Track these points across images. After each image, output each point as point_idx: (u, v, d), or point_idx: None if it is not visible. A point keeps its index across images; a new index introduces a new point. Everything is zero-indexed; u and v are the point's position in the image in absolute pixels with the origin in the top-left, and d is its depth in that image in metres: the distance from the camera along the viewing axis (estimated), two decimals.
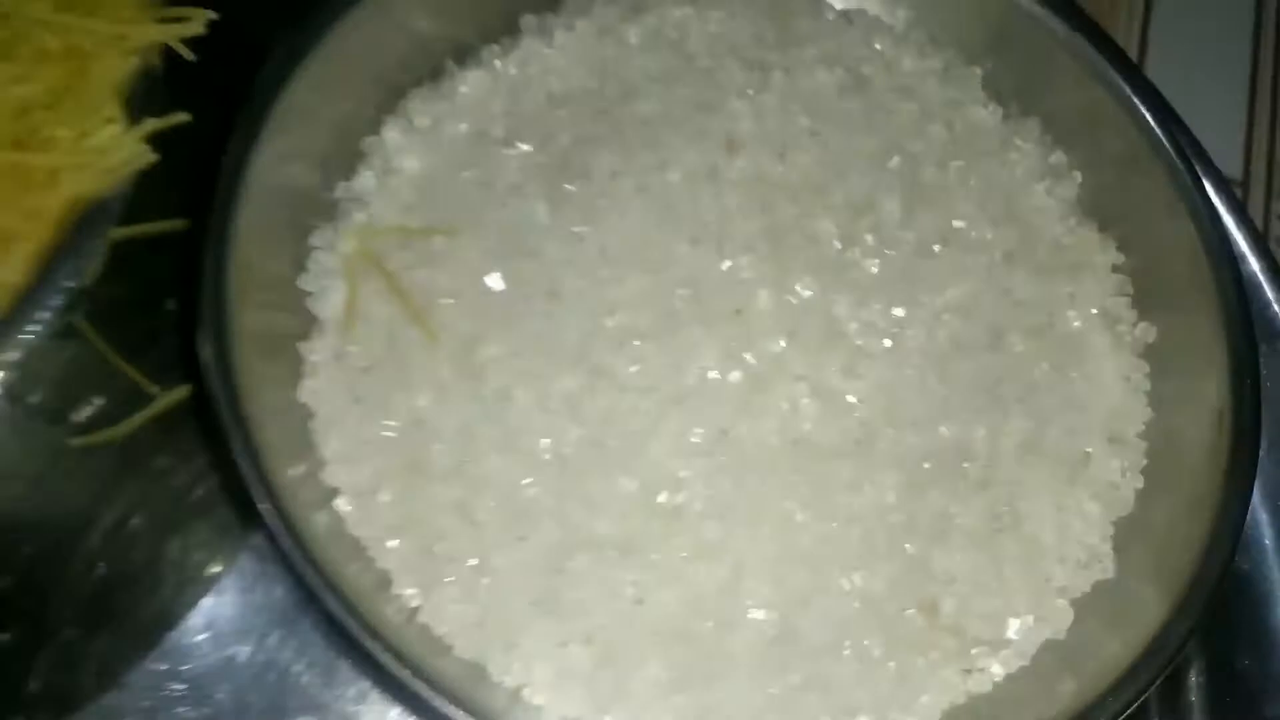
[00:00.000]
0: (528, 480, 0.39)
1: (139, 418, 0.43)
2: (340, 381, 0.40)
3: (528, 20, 0.45)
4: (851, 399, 0.40)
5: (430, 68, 0.45)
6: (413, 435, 0.39)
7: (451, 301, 0.41)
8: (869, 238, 0.42)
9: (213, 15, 0.40)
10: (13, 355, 0.36)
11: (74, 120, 0.38)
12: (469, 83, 0.45)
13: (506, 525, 0.38)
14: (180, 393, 0.44)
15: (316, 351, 0.40)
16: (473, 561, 0.38)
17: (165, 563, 0.43)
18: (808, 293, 0.41)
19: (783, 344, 0.40)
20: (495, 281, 0.41)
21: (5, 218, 0.37)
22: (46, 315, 0.37)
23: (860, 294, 0.41)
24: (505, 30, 0.45)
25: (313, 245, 0.42)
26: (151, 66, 0.40)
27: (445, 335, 0.40)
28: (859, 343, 0.41)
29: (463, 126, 0.44)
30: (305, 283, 0.41)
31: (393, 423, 0.39)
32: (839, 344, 0.41)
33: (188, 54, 0.40)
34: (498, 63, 0.45)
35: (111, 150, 0.38)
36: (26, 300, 0.37)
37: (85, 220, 0.38)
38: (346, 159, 0.43)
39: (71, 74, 0.39)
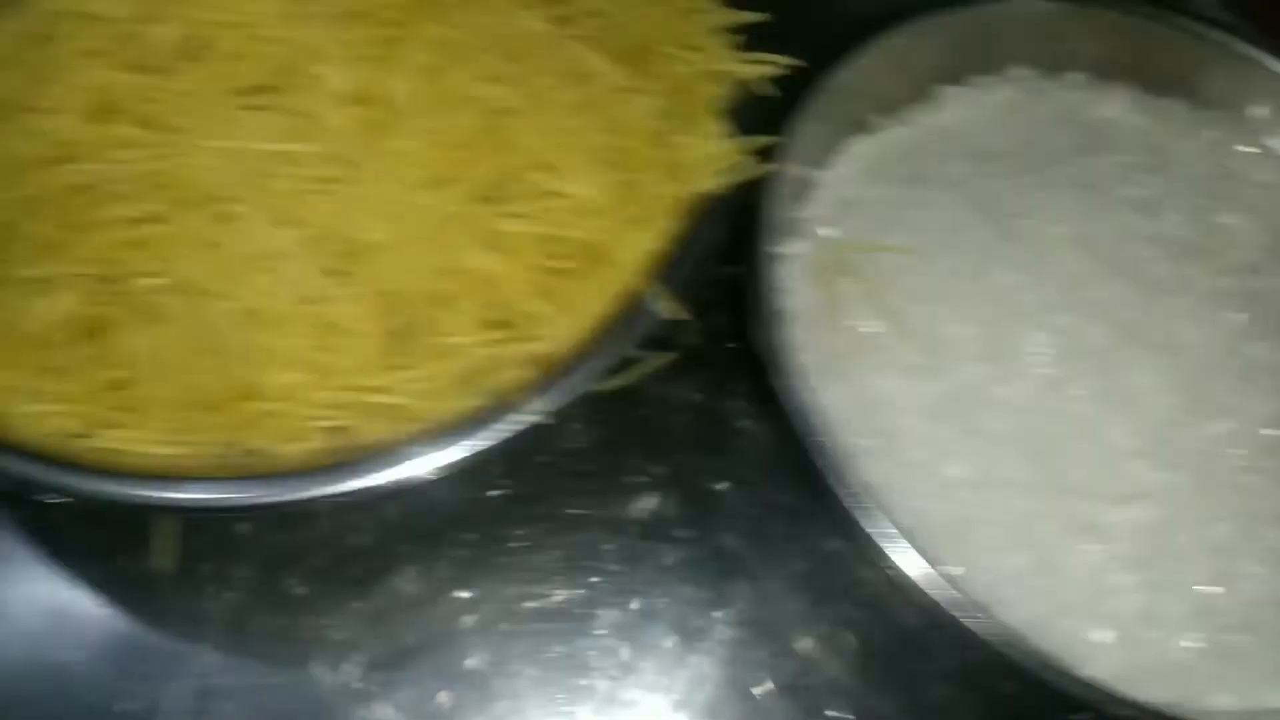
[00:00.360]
0: None
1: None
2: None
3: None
4: None
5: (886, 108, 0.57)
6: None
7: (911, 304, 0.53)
8: None
9: (795, 61, 0.51)
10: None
11: (688, 131, 0.49)
12: (917, 124, 0.58)
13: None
14: None
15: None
16: None
17: None
18: None
19: None
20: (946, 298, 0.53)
21: (645, 204, 0.47)
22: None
23: None
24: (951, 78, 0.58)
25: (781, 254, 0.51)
26: (744, 95, 0.50)
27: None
28: None
29: (920, 163, 0.56)
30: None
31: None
32: None
33: (771, 89, 0.51)
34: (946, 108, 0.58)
35: (721, 157, 0.48)
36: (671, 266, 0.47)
37: (706, 211, 0.48)
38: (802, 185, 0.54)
39: (683, 97, 0.49)
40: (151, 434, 0.42)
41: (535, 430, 0.42)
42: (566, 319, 0.44)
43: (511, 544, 0.50)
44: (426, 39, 0.44)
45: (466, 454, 0.41)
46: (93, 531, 0.48)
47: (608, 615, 0.49)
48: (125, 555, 0.47)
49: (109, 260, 0.41)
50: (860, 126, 0.58)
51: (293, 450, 0.41)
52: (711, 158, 0.48)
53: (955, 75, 0.60)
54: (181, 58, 0.42)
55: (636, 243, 0.46)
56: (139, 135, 0.41)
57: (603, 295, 0.45)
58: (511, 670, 0.47)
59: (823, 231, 0.55)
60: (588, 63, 0.47)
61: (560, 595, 0.49)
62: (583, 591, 0.49)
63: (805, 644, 0.49)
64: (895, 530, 0.44)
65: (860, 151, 0.57)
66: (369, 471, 0.40)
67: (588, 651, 0.48)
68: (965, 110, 0.58)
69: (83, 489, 0.40)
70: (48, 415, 0.41)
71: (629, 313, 0.45)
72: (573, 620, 0.49)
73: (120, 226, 0.41)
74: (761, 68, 0.50)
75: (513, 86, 0.45)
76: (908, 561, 0.44)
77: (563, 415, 0.43)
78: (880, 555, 0.44)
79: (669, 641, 0.49)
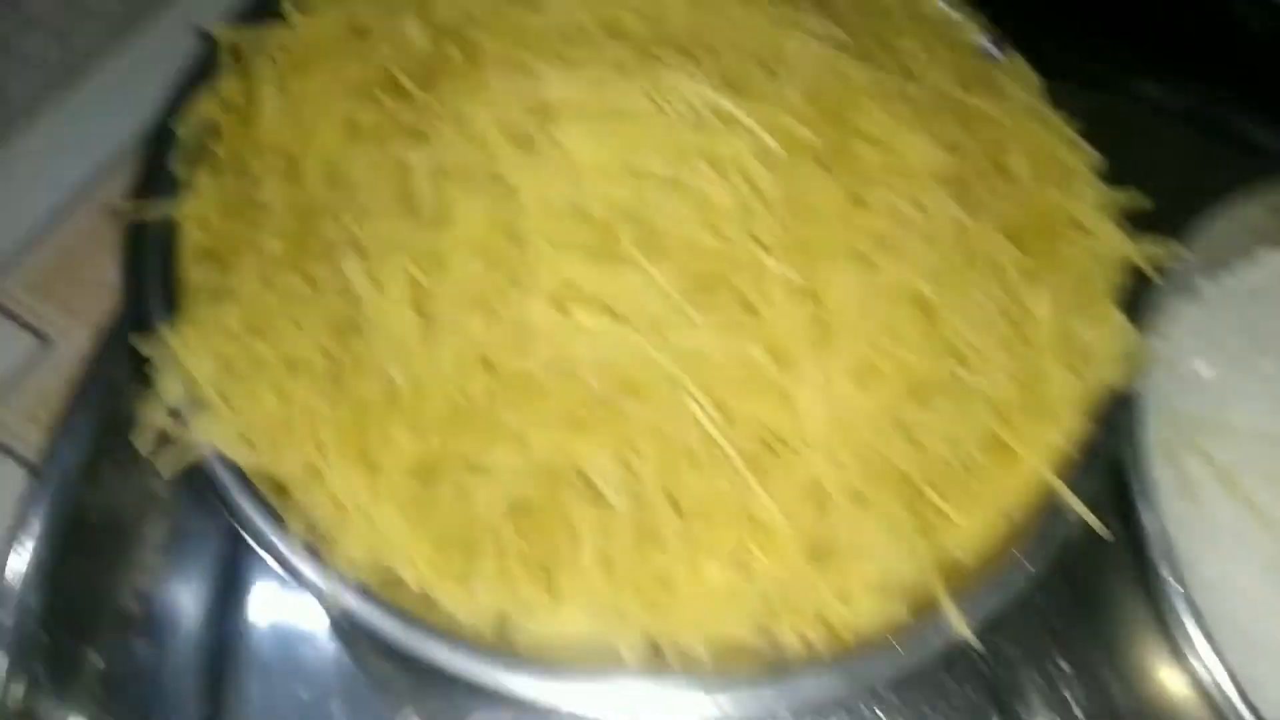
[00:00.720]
0: None
1: None
2: None
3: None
4: None
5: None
6: None
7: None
8: None
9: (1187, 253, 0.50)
10: None
11: (1090, 319, 0.48)
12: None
13: None
14: None
15: None
16: None
17: None
18: None
19: None
20: None
21: (1054, 399, 0.46)
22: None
23: None
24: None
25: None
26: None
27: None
28: None
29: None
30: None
31: None
32: None
33: (1155, 275, 0.50)
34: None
35: (1126, 348, 0.48)
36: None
37: (1114, 404, 0.47)
38: None
39: (1083, 283, 0.48)
40: (574, 617, 0.41)
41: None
42: (980, 521, 0.44)
43: None
44: (864, 232, 0.43)
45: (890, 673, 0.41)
46: None
47: None
48: None
49: (559, 447, 0.40)
50: (1186, 290, 0.56)
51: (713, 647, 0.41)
52: (1116, 348, 0.47)
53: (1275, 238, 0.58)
54: (639, 247, 0.41)
55: (1045, 441, 0.45)
56: (598, 325, 0.40)
57: (1015, 499, 0.44)
58: None
59: (1166, 408, 0.54)
60: (1001, 251, 0.46)
61: None
62: None
63: None
64: None
65: (1191, 317, 0.56)
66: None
67: None
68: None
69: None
70: (474, 597, 0.41)
71: (1044, 518, 0.44)
72: None
73: (572, 414, 0.41)
74: (1155, 252, 0.49)
75: (936, 279, 0.44)
76: None
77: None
78: None
79: None
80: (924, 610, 0.42)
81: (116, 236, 0.45)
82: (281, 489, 0.42)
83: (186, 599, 0.50)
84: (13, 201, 0.58)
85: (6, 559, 0.48)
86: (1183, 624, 0.46)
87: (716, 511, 0.41)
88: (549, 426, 0.40)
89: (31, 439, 0.53)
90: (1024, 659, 0.52)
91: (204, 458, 0.42)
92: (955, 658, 0.47)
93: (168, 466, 0.41)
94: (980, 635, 0.42)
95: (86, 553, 0.49)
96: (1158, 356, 0.54)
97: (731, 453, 0.41)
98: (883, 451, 0.43)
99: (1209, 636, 0.46)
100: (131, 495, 0.50)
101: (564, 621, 0.41)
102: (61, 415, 0.51)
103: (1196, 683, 0.46)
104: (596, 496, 0.41)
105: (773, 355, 0.42)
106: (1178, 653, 0.46)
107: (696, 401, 0.41)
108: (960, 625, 0.42)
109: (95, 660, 0.48)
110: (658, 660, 0.41)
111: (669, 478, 0.41)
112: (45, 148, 0.60)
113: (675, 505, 0.41)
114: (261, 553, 0.41)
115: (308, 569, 0.40)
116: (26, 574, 0.48)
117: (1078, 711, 0.51)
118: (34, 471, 0.49)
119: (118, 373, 0.49)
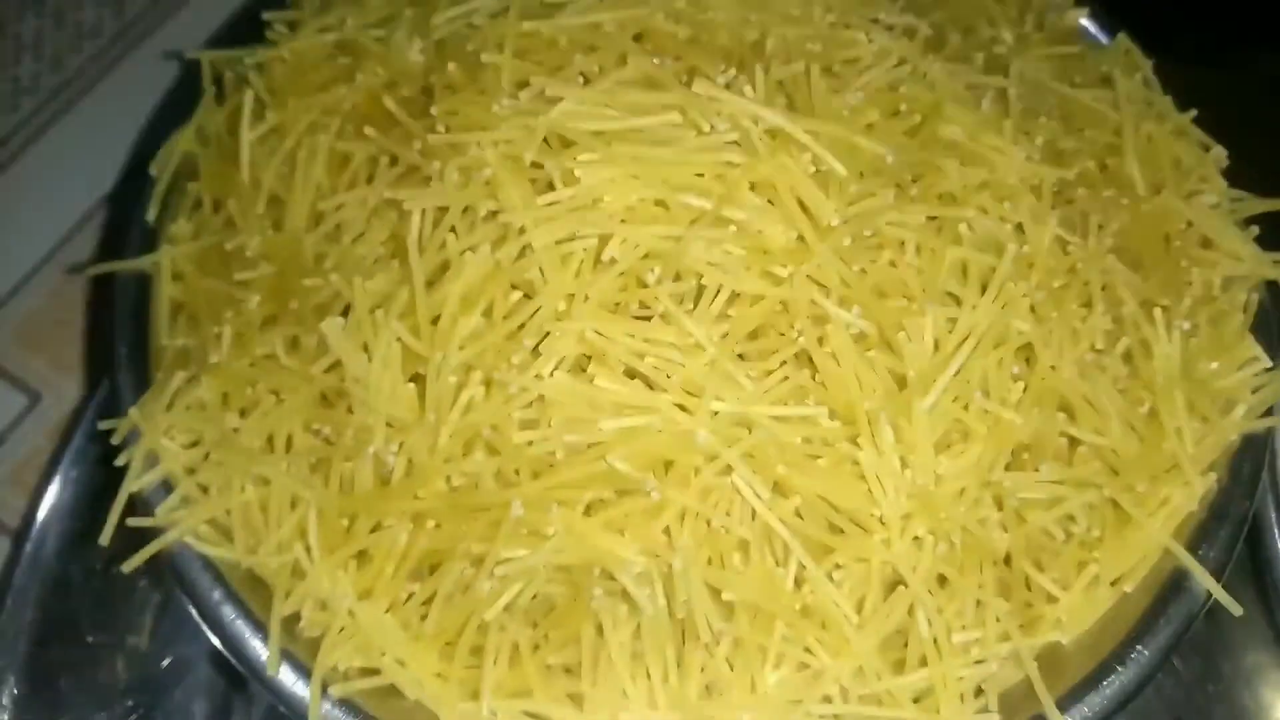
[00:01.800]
0: None
1: None
2: None
3: None
4: None
5: None
6: None
7: None
8: None
9: None
10: None
11: (1219, 355, 0.40)
12: None
13: None
14: None
15: None
16: None
17: None
18: None
19: None
20: None
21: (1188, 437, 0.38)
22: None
23: None
24: None
25: None
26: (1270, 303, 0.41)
27: None
28: None
29: None
30: None
31: None
32: None
33: None
34: None
35: (1266, 390, 0.40)
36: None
37: (1251, 455, 0.39)
38: None
39: (1208, 308, 0.40)
40: None
41: None
42: (1087, 601, 0.37)
43: None
44: (948, 265, 0.36)
45: None
46: None
47: None
48: None
49: (579, 541, 0.34)
50: None
51: None
52: (1249, 389, 0.39)
53: None
54: (674, 301, 0.34)
55: (1167, 502, 0.37)
56: (624, 392, 0.34)
57: (1130, 570, 0.37)
58: None
59: None
60: (1115, 277, 0.38)
61: None
62: None
63: None
64: None
65: None
66: None
67: None
68: None
69: None
70: (483, 709, 0.35)
71: (1163, 594, 0.37)
72: None
73: (593, 500, 0.34)
74: None
75: (1038, 317, 0.37)
76: None
77: None
78: None
79: None
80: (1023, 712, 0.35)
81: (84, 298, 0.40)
82: (261, 585, 0.36)
83: (185, 662, 0.46)
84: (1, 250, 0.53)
85: None
86: None
87: (770, 607, 0.34)
88: (566, 515, 0.34)
89: (17, 504, 0.49)
90: None
91: (173, 551, 0.36)
92: None
93: (131, 563, 0.36)
94: None
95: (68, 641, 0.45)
96: None
97: (788, 536, 0.34)
98: (972, 528, 0.36)
99: None
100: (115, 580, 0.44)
101: None
102: (41, 480, 0.47)
103: None
104: (625, 592, 0.34)
105: (839, 420, 0.35)
106: None
107: (745, 480, 0.34)
108: None
109: None
110: None
111: (712, 570, 0.34)
112: (34, 195, 0.56)
113: (720, 601, 0.34)
114: (233, 660, 0.35)
115: (286, 683, 0.35)
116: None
117: None
118: (16, 540, 0.45)
119: (96, 444, 0.44)
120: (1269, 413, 0.40)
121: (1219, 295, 0.41)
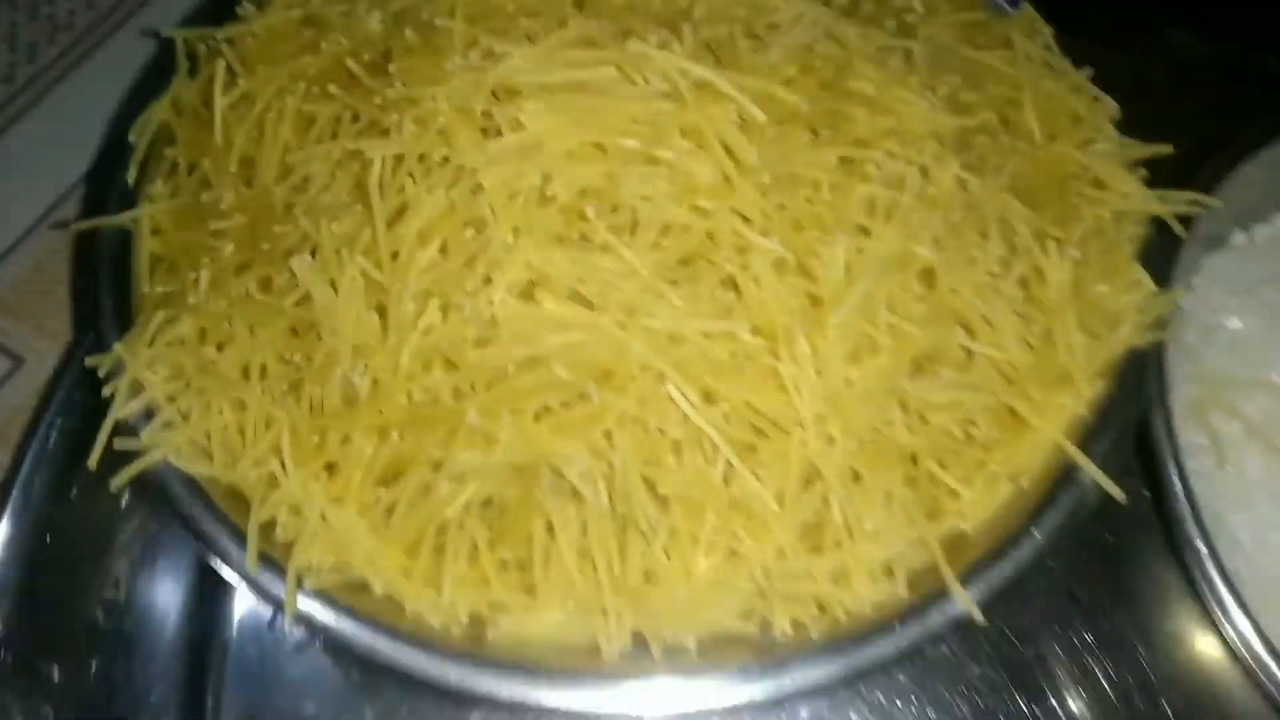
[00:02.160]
0: None
1: None
2: None
3: None
4: None
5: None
6: None
7: None
8: None
9: (1213, 201, 0.46)
10: None
11: (1108, 279, 0.44)
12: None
13: None
14: None
15: None
16: None
17: None
18: None
19: None
20: None
21: (1067, 363, 0.43)
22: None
23: None
24: None
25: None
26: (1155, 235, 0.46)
27: None
28: None
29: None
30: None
31: None
32: None
33: (1179, 229, 0.46)
34: None
35: (1145, 308, 0.44)
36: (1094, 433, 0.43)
37: (1136, 366, 0.44)
38: None
39: (1098, 241, 0.45)
40: (553, 616, 0.38)
41: None
42: (987, 493, 0.41)
43: None
44: (858, 200, 0.40)
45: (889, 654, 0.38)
46: None
47: None
48: None
49: (529, 443, 0.37)
50: (1217, 242, 0.53)
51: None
52: (1135, 309, 0.44)
53: None
54: (612, 233, 0.38)
55: (1060, 407, 0.42)
56: (567, 313, 0.38)
57: (1025, 467, 0.41)
58: None
59: (1193, 366, 0.50)
60: (1010, 211, 0.43)
61: None
62: None
63: None
64: None
65: (1221, 270, 0.52)
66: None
67: None
68: None
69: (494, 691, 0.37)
70: (444, 600, 0.38)
71: (1054, 486, 0.41)
72: None
73: (545, 410, 0.38)
74: (1177, 206, 0.45)
75: (939, 244, 0.41)
76: None
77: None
78: None
79: None
80: (928, 588, 0.39)
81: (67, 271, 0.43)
82: (240, 498, 0.39)
83: (161, 610, 0.48)
84: None
85: None
86: (1214, 587, 0.42)
87: (701, 500, 0.38)
88: (517, 421, 0.37)
89: (2, 459, 0.51)
90: (1046, 633, 0.48)
91: (156, 469, 0.39)
92: (968, 636, 0.46)
93: (119, 480, 0.39)
94: (995, 611, 0.39)
95: (55, 570, 0.47)
96: (1185, 313, 0.51)
97: (716, 437, 0.38)
98: (881, 428, 0.40)
99: (1240, 599, 0.42)
100: (101, 510, 0.48)
101: (542, 620, 0.39)
102: (27, 433, 0.50)
103: (1228, 647, 0.43)
104: (573, 491, 0.38)
105: (759, 334, 0.39)
106: (1208, 617, 0.43)
107: (676, 387, 0.38)
108: (965, 601, 0.39)
109: (67, 676, 0.46)
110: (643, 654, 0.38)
111: (649, 468, 0.38)
112: (13, 166, 0.59)
113: (657, 496, 0.38)
114: (218, 563, 0.39)
115: (265, 578, 0.38)
116: None
117: (1105, 683, 0.48)
118: (2, 490, 0.48)
119: (82, 391, 0.47)
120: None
121: (1109, 229, 0.45)
